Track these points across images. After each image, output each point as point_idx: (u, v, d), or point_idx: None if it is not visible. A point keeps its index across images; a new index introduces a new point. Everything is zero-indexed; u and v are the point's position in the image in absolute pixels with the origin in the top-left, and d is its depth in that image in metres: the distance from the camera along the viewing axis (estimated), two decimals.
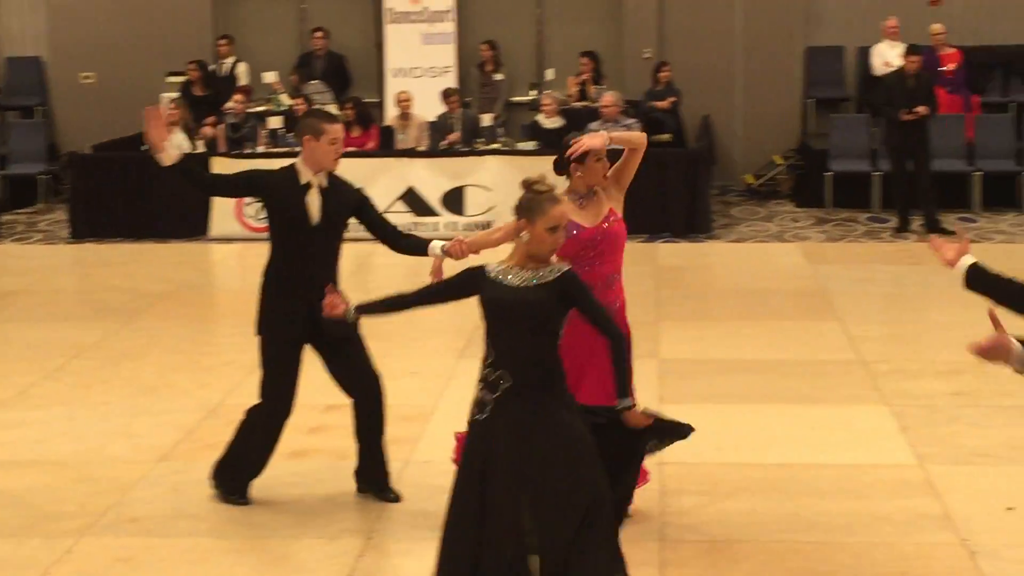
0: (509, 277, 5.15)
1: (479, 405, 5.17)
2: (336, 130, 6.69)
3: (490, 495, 5.01)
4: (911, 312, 11.18)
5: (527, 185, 5.24)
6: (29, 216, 16.24)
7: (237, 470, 6.84)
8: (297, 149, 6.95)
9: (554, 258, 5.20)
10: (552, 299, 5.07)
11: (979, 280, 4.97)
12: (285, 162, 6.92)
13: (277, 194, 6.65)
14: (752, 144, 17.40)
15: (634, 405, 5.21)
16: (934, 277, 12.26)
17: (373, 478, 6.88)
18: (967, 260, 5.00)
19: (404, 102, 15.67)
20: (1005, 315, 4.74)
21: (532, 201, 5.15)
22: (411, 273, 13.58)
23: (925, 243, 13.87)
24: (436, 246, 6.73)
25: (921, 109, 13.99)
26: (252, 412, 6.81)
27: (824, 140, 16.37)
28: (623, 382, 5.22)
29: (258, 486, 6.91)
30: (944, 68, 16.09)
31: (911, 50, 14.46)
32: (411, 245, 7.06)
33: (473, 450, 5.13)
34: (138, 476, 7.30)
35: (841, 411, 8.35)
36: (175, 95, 16.14)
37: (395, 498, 6.83)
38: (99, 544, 6.42)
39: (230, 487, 6.83)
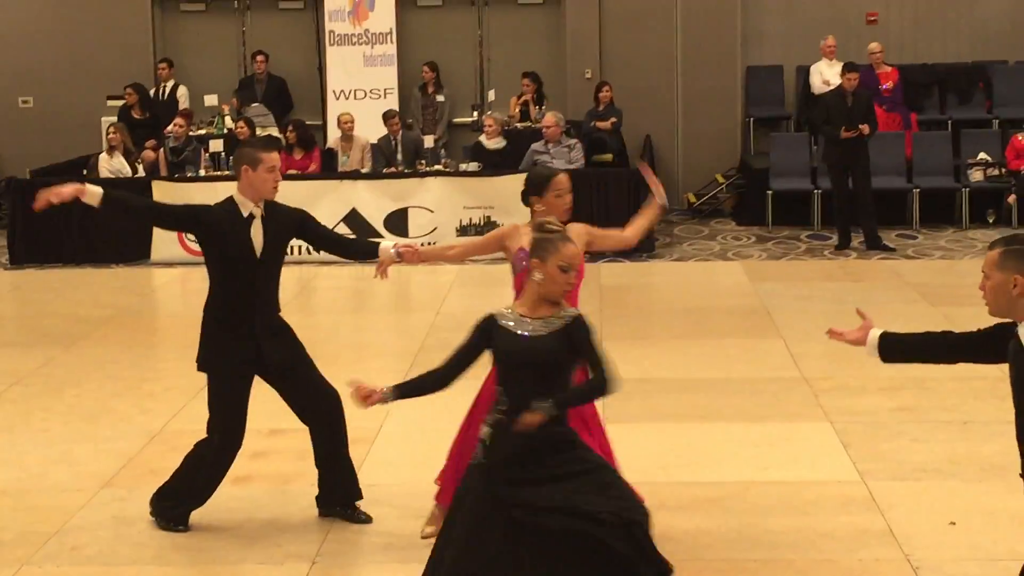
0: (519, 326, 5.16)
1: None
2: (273, 158, 6.65)
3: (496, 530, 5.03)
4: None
5: (539, 227, 5.33)
6: None
7: (180, 500, 6.77)
8: None
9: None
10: (563, 348, 5.11)
11: (894, 348, 4.97)
12: (227, 186, 6.88)
13: (219, 229, 6.55)
14: (693, 163, 17.49)
15: (554, 415, 5.09)
16: (875, 294, 12.39)
17: (341, 498, 6.86)
18: (875, 333, 5.00)
19: (347, 124, 15.63)
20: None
21: (544, 241, 5.19)
22: (354, 295, 13.59)
23: (866, 260, 14.09)
24: (388, 247, 6.70)
25: (863, 128, 14.12)
26: (201, 445, 6.74)
27: (764, 159, 16.46)
28: (569, 399, 5.16)
29: (201, 512, 6.86)
30: (882, 86, 16.27)
31: (849, 67, 14.59)
32: (361, 250, 7.15)
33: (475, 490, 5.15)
34: (80, 504, 7.23)
35: (784, 428, 8.39)
36: (114, 119, 16.04)
37: (366, 519, 6.83)
38: (40, 573, 6.36)
39: (171, 515, 6.77)
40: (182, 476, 6.77)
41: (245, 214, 6.56)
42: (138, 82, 16.85)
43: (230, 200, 6.62)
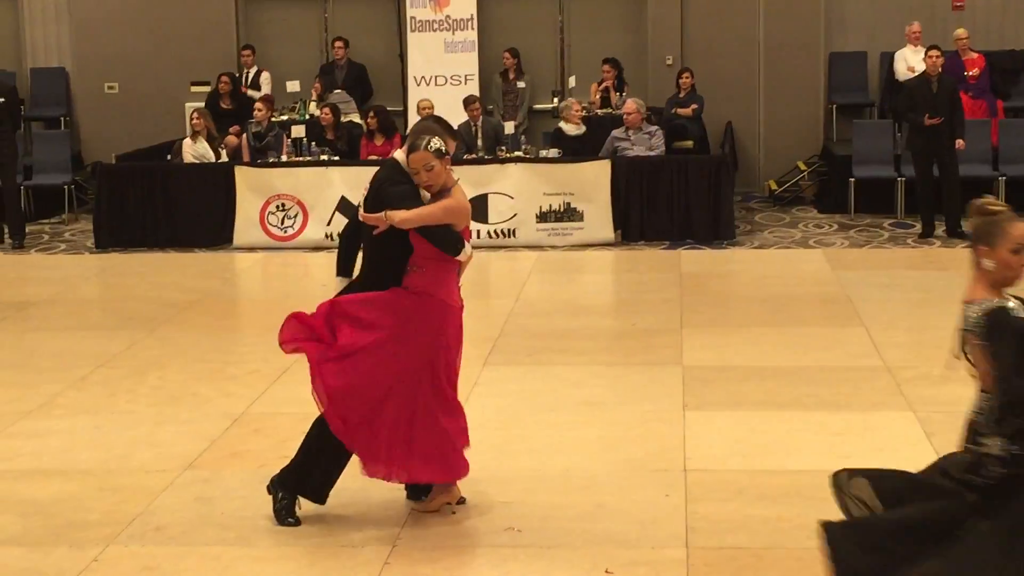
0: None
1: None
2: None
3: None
4: (936, 318, 11.09)
5: (979, 209, 4.81)
6: (54, 226, 16.31)
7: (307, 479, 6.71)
8: (323, 158, 7.15)
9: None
10: None
11: None
12: (308, 172, 7.09)
13: None
14: (775, 150, 17.36)
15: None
16: (960, 283, 12.22)
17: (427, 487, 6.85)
18: None
19: (426, 110, 15.65)
20: None
21: (989, 224, 4.75)
22: None
23: (950, 248, 13.93)
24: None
25: (935, 120, 13.96)
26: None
27: (847, 146, 16.30)
28: None
29: None
30: (968, 73, 16.06)
31: (931, 46, 14.45)
32: None
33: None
34: (163, 485, 7.33)
35: (866, 417, 8.33)
36: (198, 105, 16.20)
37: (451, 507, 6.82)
38: (125, 553, 6.45)
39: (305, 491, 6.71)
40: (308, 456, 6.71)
41: None
42: (230, 71, 17.01)
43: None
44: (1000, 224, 4.73)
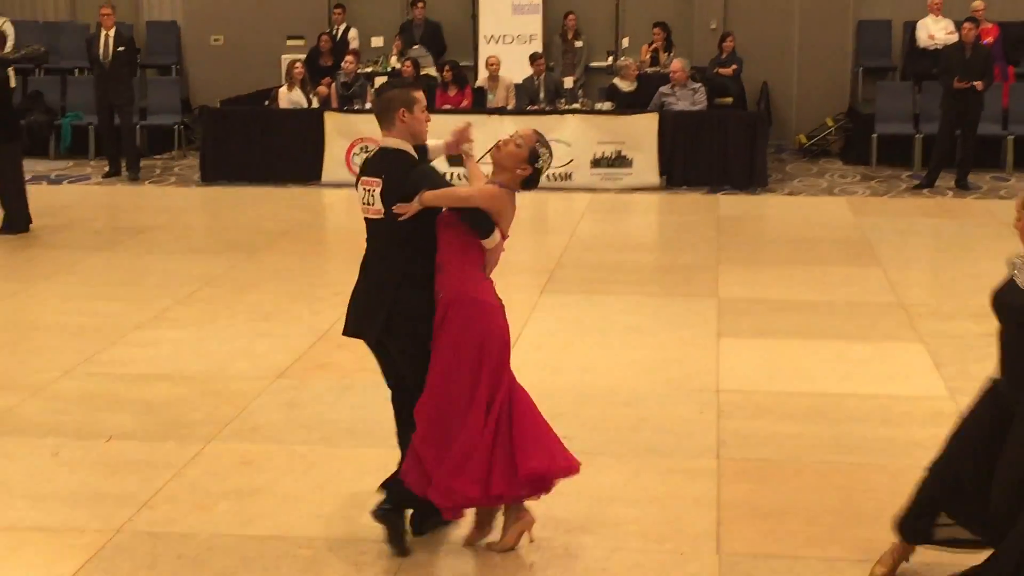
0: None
1: None
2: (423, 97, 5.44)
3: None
4: (948, 261, 11.02)
5: None
6: (165, 162, 16.41)
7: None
8: None
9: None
10: None
11: None
12: None
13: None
14: (806, 108, 17.17)
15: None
16: (969, 230, 12.10)
17: None
18: None
19: (493, 65, 15.62)
20: None
21: None
22: None
23: (960, 199, 13.76)
24: (437, 143, 5.59)
25: (977, 84, 13.75)
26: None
27: (871, 105, 16.15)
28: None
29: (361, 402, 6.98)
30: (983, 41, 15.78)
31: (969, 20, 14.27)
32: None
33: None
34: (258, 391, 7.39)
35: (880, 347, 8.27)
36: (292, 57, 16.20)
37: None
38: (224, 448, 6.53)
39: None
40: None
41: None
42: (321, 28, 17.00)
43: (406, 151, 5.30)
44: None
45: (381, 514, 5.26)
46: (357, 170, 5.49)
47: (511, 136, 5.46)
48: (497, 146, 5.41)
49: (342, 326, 5.55)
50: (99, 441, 6.61)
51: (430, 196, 5.13)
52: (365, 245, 5.37)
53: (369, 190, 5.21)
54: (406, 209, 5.13)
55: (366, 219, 5.29)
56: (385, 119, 5.23)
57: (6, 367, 7.89)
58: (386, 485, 5.41)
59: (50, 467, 6.28)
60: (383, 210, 5.17)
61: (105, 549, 5.37)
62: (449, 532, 5.46)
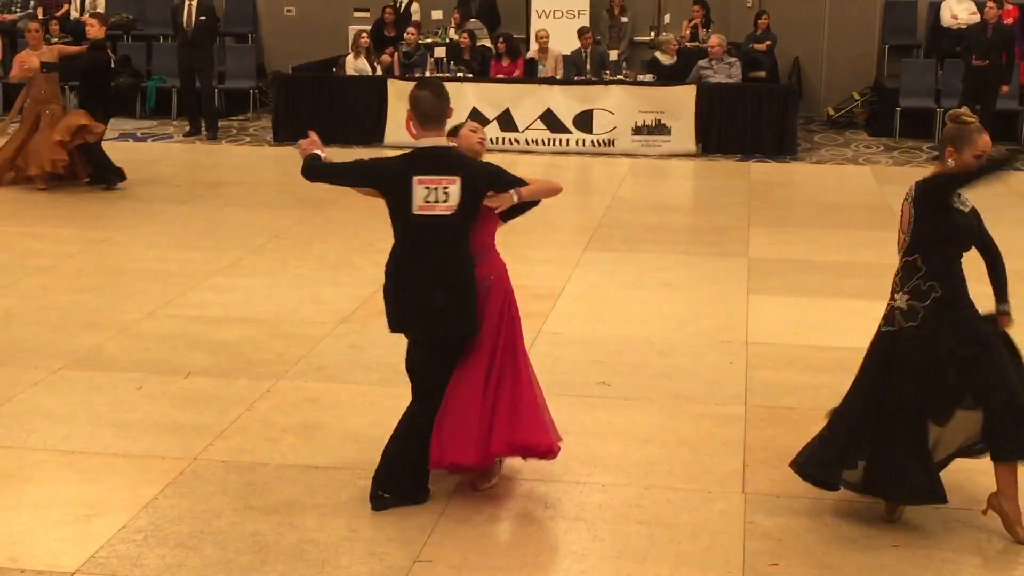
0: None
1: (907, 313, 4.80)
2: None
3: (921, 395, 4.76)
4: None
5: (954, 118, 4.80)
6: (240, 123, 16.45)
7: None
8: (459, 75, 6.37)
9: None
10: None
11: None
12: (448, 85, 6.00)
13: None
14: (834, 81, 16.96)
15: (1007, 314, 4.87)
16: (986, 199, 11.87)
17: None
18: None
19: (543, 38, 15.51)
20: None
21: (960, 131, 4.73)
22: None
23: None
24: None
25: (981, 62, 13.53)
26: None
27: (896, 80, 15.94)
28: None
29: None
30: (1004, 22, 15.51)
31: (992, 0, 13.99)
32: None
33: (880, 357, 4.86)
34: (324, 334, 7.43)
35: None
36: (359, 28, 16.16)
37: None
38: (292, 386, 6.57)
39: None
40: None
41: None
42: (389, 4, 16.95)
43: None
44: (970, 133, 4.73)
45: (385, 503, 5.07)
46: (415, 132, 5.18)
47: (470, 127, 5.38)
48: (459, 135, 5.28)
49: None
50: (178, 377, 6.68)
51: (528, 191, 5.04)
52: (406, 247, 5.03)
53: (438, 188, 4.92)
54: (501, 202, 5.00)
55: (417, 217, 4.95)
56: (440, 120, 5.02)
57: (95, 307, 7.97)
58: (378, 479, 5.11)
59: (134, 399, 6.35)
60: (455, 206, 4.92)
61: (183, 475, 5.43)
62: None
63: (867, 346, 5.06)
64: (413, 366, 5.25)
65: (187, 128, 15.48)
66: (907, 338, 4.80)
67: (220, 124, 15.65)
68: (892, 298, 4.91)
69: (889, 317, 4.90)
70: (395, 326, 5.12)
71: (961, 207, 4.80)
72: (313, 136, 5.38)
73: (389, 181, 5.07)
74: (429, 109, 4.98)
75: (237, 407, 6.23)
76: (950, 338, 4.74)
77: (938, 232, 4.76)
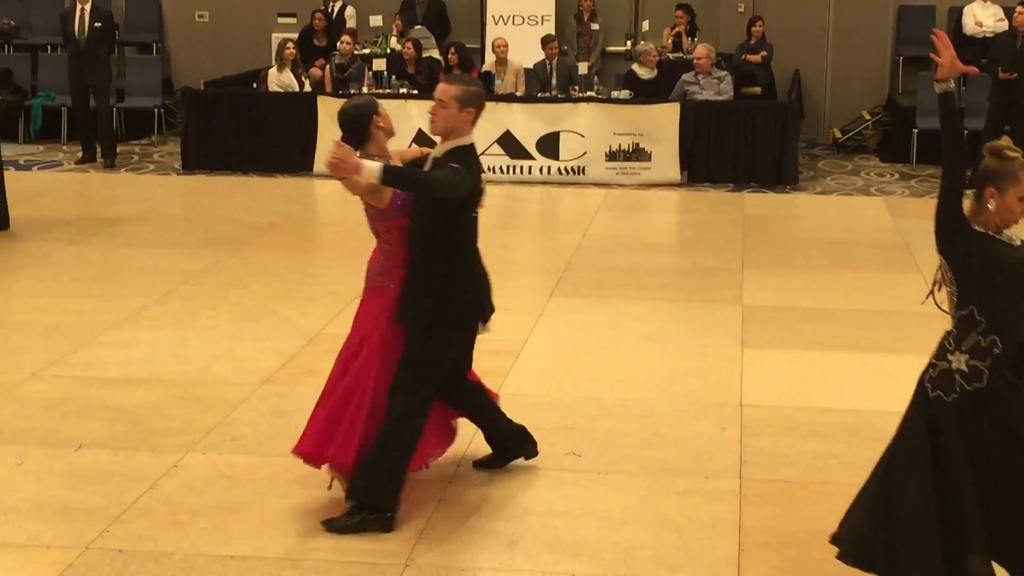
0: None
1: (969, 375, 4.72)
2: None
3: (953, 476, 4.69)
4: None
5: (995, 151, 4.65)
6: (143, 147, 16.42)
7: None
8: (402, 91, 6.86)
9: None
10: None
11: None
12: (388, 103, 6.71)
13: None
14: (840, 99, 17.15)
15: None
16: (1018, 234, 12.06)
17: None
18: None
19: (500, 48, 15.61)
20: None
21: (1004, 167, 4.61)
22: (505, 214, 13.49)
23: None
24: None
25: (1008, 75, 13.71)
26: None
27: (912, 97, 16.09)
28: None
29: None
30: None
31: (1022, 5, 14.19)
32: None
33: (943, 428, 4.77)
34: (241, 397, 7.39)
35: (920, 361, 8.13)
36: (284, 36, 16.20)
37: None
38: (203, 460, 6.52)
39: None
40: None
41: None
42: (320, 8, 17.01)
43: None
44: (1015, 171, 4.63)
45: None
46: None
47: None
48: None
49: (333, 329, 5.54)
50: (68, 450, 6.61)
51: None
52: (473, 239, 5.90)
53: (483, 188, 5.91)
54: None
55: (477, 213, 5.89)
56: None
57: None
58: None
59: (14, 477, 6.28)
60: None
61: (72, 567, 5.37)
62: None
63: (884, 407, 5.07)
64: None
65: (80, 154, 15.44)
66: (979, 402, 4.68)
67: (119, 149, 15.61)
68: (942, 359, 4.83)
69: (943, 382, 4.81)
70: (486, 316, 6.01)
71: (1008, 240, 4.74)
72: (344, 144, 5.77)
73: (476, 178, 5.82)
74: (481, 104, 5.90)
75: (138, 486, 6.18)
76: None
77: (972, 265, 4.68)
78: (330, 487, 6.02)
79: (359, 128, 5.97)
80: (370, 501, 5.70)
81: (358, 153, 5.68)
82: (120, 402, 7.33)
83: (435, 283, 5.74)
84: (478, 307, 5.92)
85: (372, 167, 5.54)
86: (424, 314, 5.73)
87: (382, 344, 5.82)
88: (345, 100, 6.18)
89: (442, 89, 5.85)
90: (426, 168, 5.83)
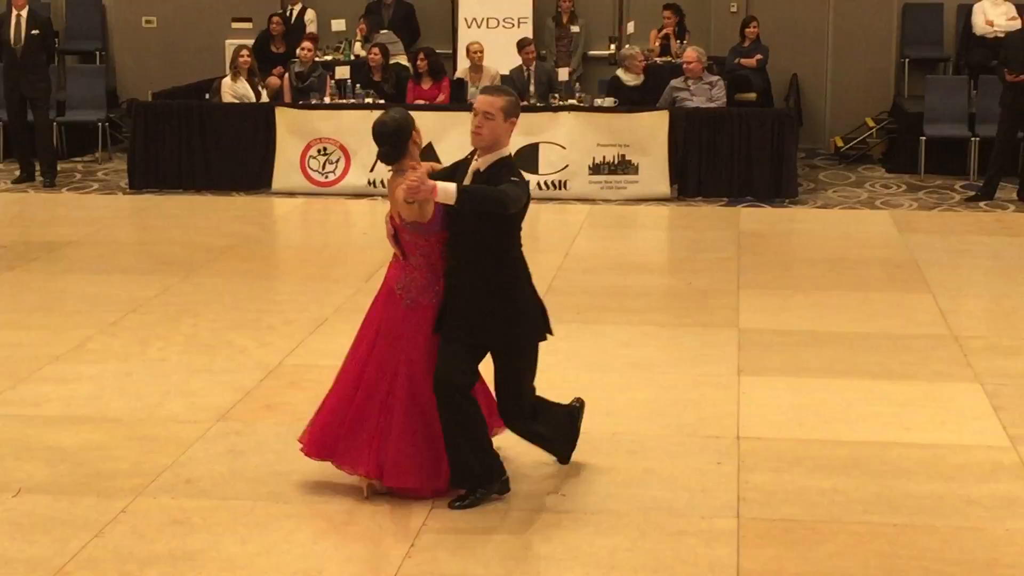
0: None
1: None
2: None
3: None
4: (1007, 286, 11.04)
5: None
6: (87, 165, 16.41)
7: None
8: (368, 100, 6.95)
9: None
10: None
11: None
12: (351, 115, 6.88)
13: None
14: (842, 105, 17.25)
15: None
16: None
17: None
18: None
19: (476, 53, 15.64)
20: None
21: None
22: None
23: (1023, 213, 13.77)
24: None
25: (1014, 77, 13.79)
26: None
27: (919, 102, 16.16)
28: None
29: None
30: None
31: None
32: None
33: None
34: (195, 436, 7.37)
35: (931, 388, 8.28)
36: (239, 42, 16.22)
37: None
38: (154, 504, 6.49)
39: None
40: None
41: None
42: (274, 10, 17.03)
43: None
44: None
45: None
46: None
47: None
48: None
49: (294, 360, 5.57)
50: (5, 496, 6.58)
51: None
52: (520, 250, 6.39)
53: None
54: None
55: None
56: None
57: None
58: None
59: None
60: None
61: None
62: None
63: (893, 439, 5.09)
64: None
65: (17, 173, 15.42)
66: None
67: (60, 167, 15.60)
68: None
69: None
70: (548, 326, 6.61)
71: None
72: (418, 166, 6.23)
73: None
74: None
75: (83, 533, 6.15)
76: None
77: None
78: (366, 495, 6.44)
79: (401, 142, 6.27)
80: (476, 483, 6.36)
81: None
82: (62, 442, 7.29)
83: (507, 300, 6.32)
84: (546, 317, 6.55)
85: (448, 188, 5.90)
86: (519, 338, 6.46)
87: (425, 358, 6.32)
88: (381, 112, 6.57)
89: (488, 102, 6.21)
90: (467, 182, 6.15)
